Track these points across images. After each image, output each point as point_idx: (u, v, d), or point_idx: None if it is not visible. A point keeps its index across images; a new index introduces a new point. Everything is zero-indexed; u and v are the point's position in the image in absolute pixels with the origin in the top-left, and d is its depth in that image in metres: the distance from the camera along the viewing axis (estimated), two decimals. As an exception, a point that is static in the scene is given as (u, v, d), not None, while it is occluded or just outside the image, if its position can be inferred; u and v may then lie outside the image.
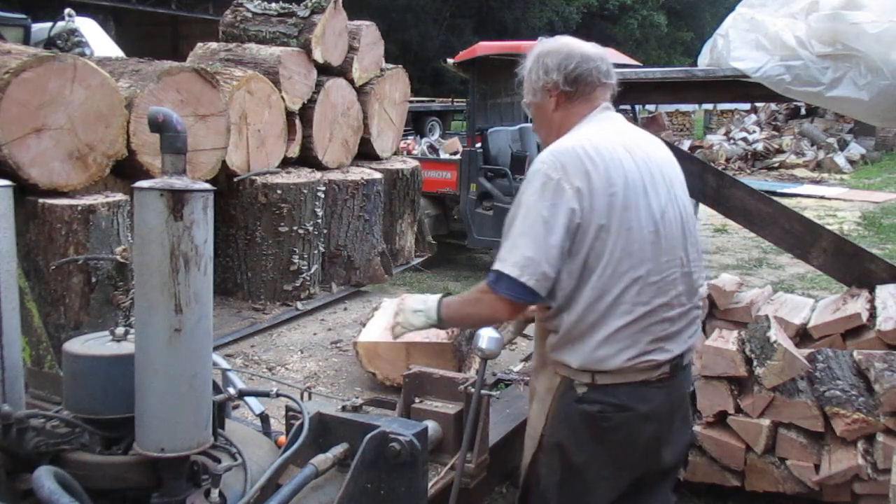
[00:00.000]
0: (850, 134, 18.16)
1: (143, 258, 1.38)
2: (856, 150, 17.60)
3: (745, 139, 17.77)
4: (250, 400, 1.98)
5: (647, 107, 21.74)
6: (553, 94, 2.11)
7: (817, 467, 2.92)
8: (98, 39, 7.86)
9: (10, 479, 1.46)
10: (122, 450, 1.48)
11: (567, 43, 2.14)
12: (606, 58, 2.14)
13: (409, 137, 11.64)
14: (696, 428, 3.09)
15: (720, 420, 3.08)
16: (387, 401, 2.34)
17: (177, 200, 1.35)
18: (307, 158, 4.20)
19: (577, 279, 1.99)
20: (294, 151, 4.11)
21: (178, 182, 1.37)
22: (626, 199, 1.95)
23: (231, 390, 1.77)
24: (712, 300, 3.50)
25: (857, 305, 3.28)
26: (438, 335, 2.76)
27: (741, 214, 3.85)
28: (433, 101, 20.70)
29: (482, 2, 31.73)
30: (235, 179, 3.70)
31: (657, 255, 1.99)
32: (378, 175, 4.28)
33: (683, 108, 24.62)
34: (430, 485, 1.89)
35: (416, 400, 2.15)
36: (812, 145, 17.31)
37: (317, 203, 3.86)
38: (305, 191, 3.76)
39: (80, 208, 2.76)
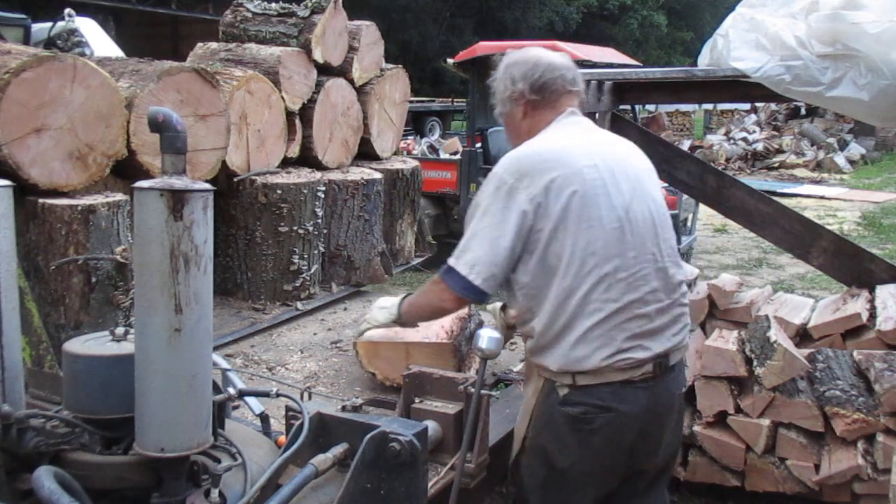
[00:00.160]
0: (850, 134, 18.17)
1: (143, 258, 1.38)
2: (856, 150, 17.61)
3: (745, 139, 17.78)
4: (250, 400, 1.98)
5: (647, 107, 21.73)
6: (520, 103, 2.18)
7: (817, 467, 2.93)
8: (98, 39, 7.86)
9: (10, 479, 1.46)
10: (122, 450, 1.48)
11: (534, 53, 2.20)
12: (573, 67, 2.21)
13: (409, 137, 11.64)
14: (696, 428, 3.09)
15: (720, 420, 3.08)
16: (387, 401, 2.34)
17: (177, 200, 1.35)
18: (307, 158, 4.20)
19: (542, 281, 2.02)
20: (294, 151, 4.11)
21: (178, 182, 1.37)
22: (585, 198, 1.98)
23: (231, 390, 1.77)
24: (712, 300, 3.50)
25: (857, 305, 3.28)
26: (438, 335, 2.76)
27: (741, 214, 3.85)
28: (433, 101, 20.70)
29: (482, 2, 31.72)
30: (235, 179, 3.70)
31: (624, 250, 2.00)
32: (378, 175, 4.28)
33: (683, 108, 24.61)
34: (430, 485, 1.89)
35: (416, 400, 2.15)
36: (812, 145, 17.32)
37: (317, 203, 3.86)
38: (305, 191, 3.76)
39: (80, 208, 2.76)
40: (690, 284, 3.60)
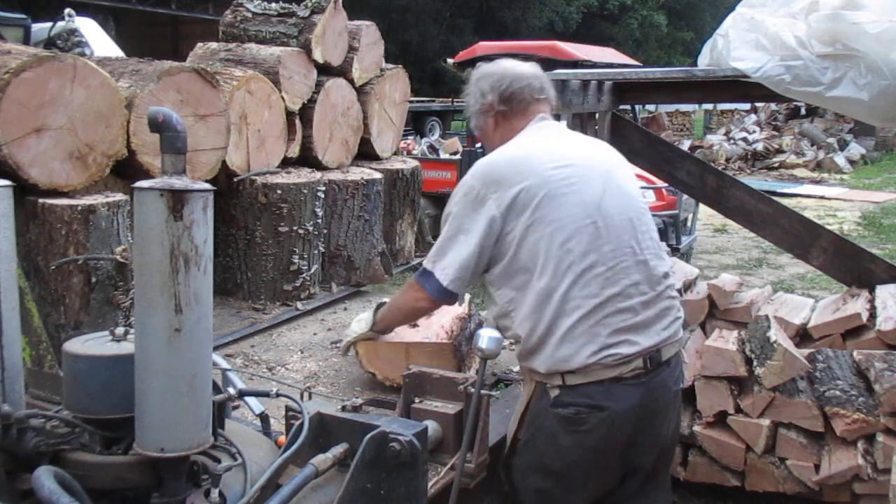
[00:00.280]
0: (850, 134, 18.17)
1: (143, 258, 1.38)
2: (856, 150, 17.61)
3: (745, 139, 17.77)
4: (250, 400, 1.98)
5: (647, 107, 21.76)
6: (491, 115, 2.25)
7: (817, 467, 2.92)
8: (98, 39, 7.87)
9: (10, 479, 1.46)
10: (122, 450, 1.48)
11: (501, 66, 2.28)
12: (541, 76, 2.27)
13: (409, 137, 11.63)
14: (696, 428, 3.09)
15: (720, 420, 3.08)
16: (387, 401, 2.34)
17: (177, 200, 1.35)
18: (307, 158, 4.20)
19: (519, 284, 2.05)
20: (294, 151, 4.11)
21: (178, 182, 1.37)
22: (555, 198, 2.02)
23: (231, 390, 1.77)
24: (712, 300, 3.50)
25: (857, 305, 3.28)
26: (438, 335, 2.76)
27: (741, 214, 3.85)
28: (433, 101, 20.69)
29: (482, 2, 31.74)
30: (235, 179, 3.70)
31: (599, 245, 2.01)
32: (378, 175, 4.28)
33: (683, 108, 24.62)
34: (430, 485, 1.89)
35: (416, 400, 2.15)
36: (812, 145, 17.31)
37: (317, 203, 3.86)
38: (305, 191, 3.76)
39: (80, 208, 2.76)
40: (691, 284, 3.60)
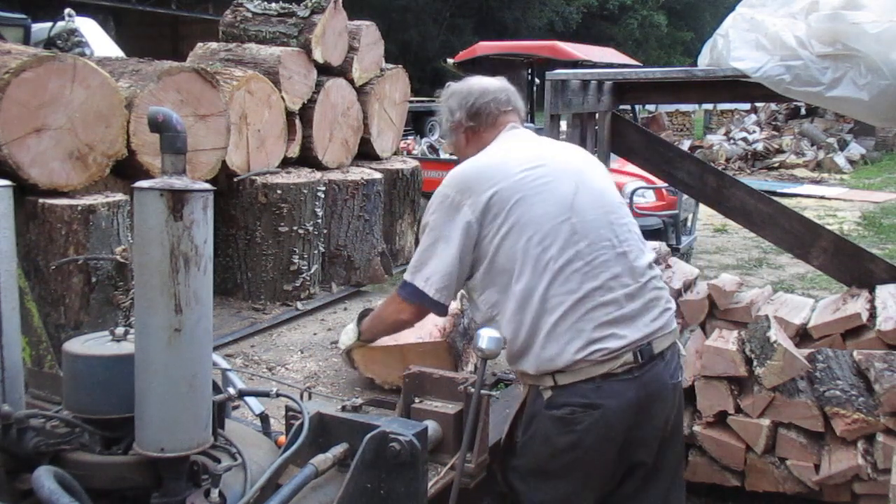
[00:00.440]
0: (850, 134, 18.15)
1: (142, 258, 1.38)
2: (856, 150, 17.60)
3: (745, 139, 17.76)
4: (250, 400, 1.98)
5: (647, 107, 21.74)
6: (461, 131, 2.33)
7: (817, 467, 2.93)
8: (98, 39, 7.86)
9: (10, 479, 1.46)
10: (122, 450, 1.48)
11: (468, 83, 2.35)
12: (507, 89, 2.34)
13: (409, 137, 11.62)
14: (696, 428, 3.09)
15: (720, 420, 3.08)
16: (387, 401, 2.34)
17: (177, 200, 1.35)
18: (307, 158, 4.19)
19: (500, 286, 2.06)
20: (294, 151, 4.10)
21: (178, 182, 1.37)
22: (528, 200, 2.05)
23: (231, 390, 1.77)
24: (712, 300, 3.50)
25: (857, 305, 3.29)
26: (431, 334, 2.76)
27: (741, 214, 3.85)
28: (433, 101, 20.64)
29: (482, 2, 31.75)
30: (235, 179, 3.70)
31: (576, 241, 2.03)
32: (378, 175, 4.28)
33: (683, 108, 24.60)
34: (430, 485, 1.89)
35: (416, 400, 2.15)
36: (812, 145, 17.31)
37: (317, 203, 3.86)
38: (305, 191, 3.76)
39: (80, 208, 2.75)
40: (691, 284, 3.60)
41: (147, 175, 3.00)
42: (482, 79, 2.36)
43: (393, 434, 1.58)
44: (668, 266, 3.64)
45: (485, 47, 7.87)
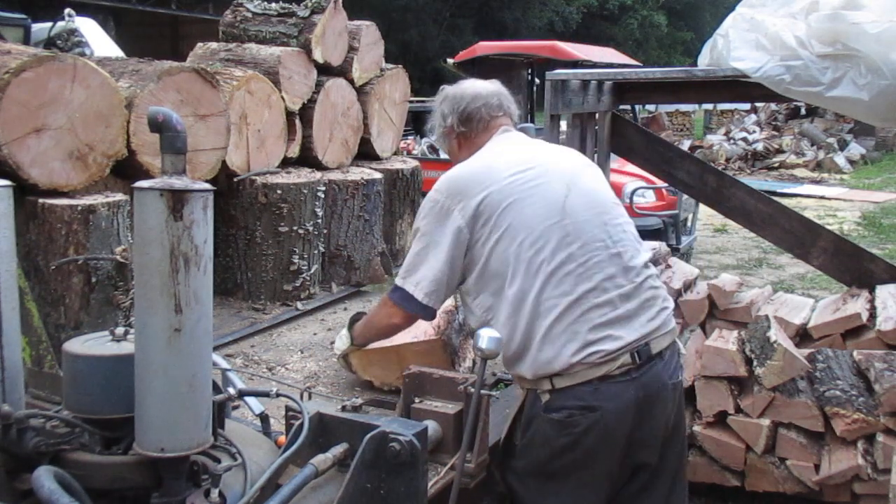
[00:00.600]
0: (850, 134, 18.15)
1: (142, 258, 1.38)
2: (856, 150, 17.60)
3: (745, 139, 17.76)
4: (250, 400, 1.98)
5: (647, 107, 21.73)
6: (454, 137, 2.34)
7: (817, 467, 2.93)
8: (98, 39, 7.86)
9: (10, 479, 1.46)
10: (122, 450, 1.48)
11: (461, 88, 2.35)
12: (499, 93, 2.34)
13: (409, 137, 11.62)
14: (696, 428, 3.09)
15: (720, 420, 3.08)
16: (387, 401, 2.34)
17: (177, 200, 1.35)
18: (307, 158, 4.20)
19: (494, 290, 2.06)
20: (294, 151, 4.10)
21: (178, 182, 1.37)
22: (518, 203, 2.05)
23: (231, 390, 1.77)
24: (712, 300, 3.50)
25: (857, 305, 3.29)
26: (426, 333, 2.76)
27: (741, 214, 3.85)
28: (433, 101, 20.67)
29: (482, 2, 31.76)
30: (235, 179, 3.70)
31: (569, 243, 2.03)
32: (378, 175, 4.28)
33: (683, 108, 24.60)
34: (430, 485, 1.89)
35: (416, 400, 2.15)
36: (812, 145, 17.31)
37: (317, 203, 3.86)
38: (305, 191, 3.76)
39: (80, 208, 2.75)
40: (691, 284, 3.60)
41: (147, 175, 3.00)
42: (475, 83, 2.36)
43: (393, 434, 1.58)
44: (668, 266, 3.64)
45: (485, 47, 7.87)
